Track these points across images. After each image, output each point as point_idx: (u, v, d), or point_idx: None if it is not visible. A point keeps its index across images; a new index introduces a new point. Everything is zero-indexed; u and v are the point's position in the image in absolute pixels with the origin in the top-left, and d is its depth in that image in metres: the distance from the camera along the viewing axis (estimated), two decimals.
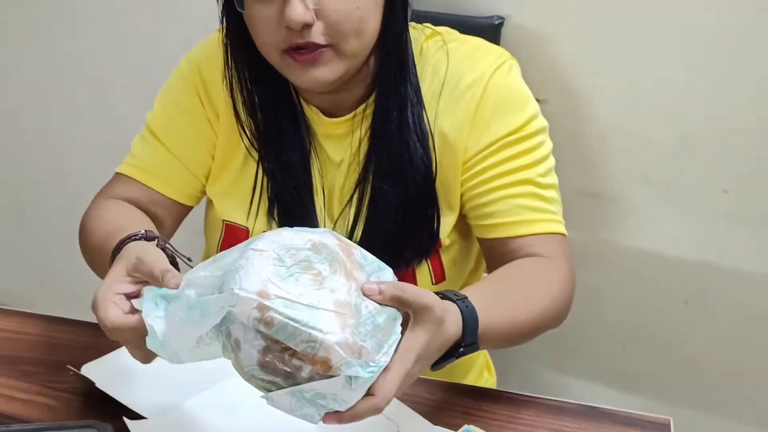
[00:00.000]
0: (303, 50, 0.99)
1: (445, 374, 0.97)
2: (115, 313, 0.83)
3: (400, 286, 0.81)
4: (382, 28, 1.03)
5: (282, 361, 0.75)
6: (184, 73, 1.16)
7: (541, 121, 1.11)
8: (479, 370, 1.32)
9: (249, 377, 0.77)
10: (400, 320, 0.81)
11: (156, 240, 0.94)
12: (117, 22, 1.78)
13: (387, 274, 0.84)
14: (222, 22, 1.06)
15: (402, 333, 0.80)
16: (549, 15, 1.43)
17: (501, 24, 1.43)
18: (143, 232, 0.95)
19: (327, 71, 1.01)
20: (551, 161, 1.11)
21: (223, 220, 1.15)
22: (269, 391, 0.77)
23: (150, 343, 0.81)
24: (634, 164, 1.49)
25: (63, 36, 1.83)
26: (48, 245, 2.07)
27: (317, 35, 0.98)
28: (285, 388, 0.76)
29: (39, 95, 1.93)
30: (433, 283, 1.13)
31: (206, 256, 1.25)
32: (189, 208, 1.20)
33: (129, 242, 0.93)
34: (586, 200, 1.53)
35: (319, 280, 0.77)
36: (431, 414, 0.96)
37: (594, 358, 1.70)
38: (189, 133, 1.15)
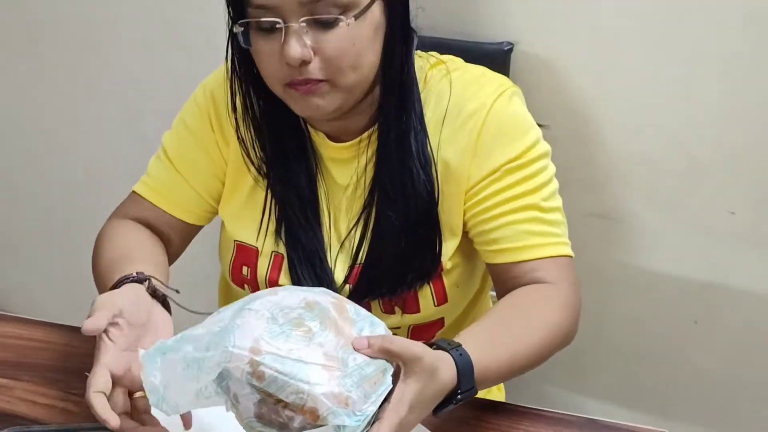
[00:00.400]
0: (302, 82, 1.03)
1: None
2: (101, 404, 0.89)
3: (389, 339, 0.86)
4: (383, 59, 1.07)
5: (275, 412, 0.82)
6: (198, 99, 1.21)
7: (543, 147, 1.14)
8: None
9: (249, 428, 0.84)
10: (390, 371, 0.85)
11: (147, 282, 1.02)
12: (146, 52, 1.84)
13: (380, 328, 0.89)
14: (227, 53, 1.11)
15: (394, 384, 0.85)
16: (557, 41, 1.47)
17: (510, 50, 1.46)
18: (134, 274, 1.03)
19: (325, 102, 1.05)
20: (554, 184, 1.14)
21: (235, 240, 1.20)
22: None
23: (152, 400, 0.85)
24: (642, 186, 1.51)
25: (95, 64, 1.89)
26: (79, 264, 2.13)
27: (315, 71, 1.02)
28: None
29: (72, 120, 2.00)
30: (435, 305, 1.16)
31: (221, 274, 1.31)
32: (198, 228, 1.25)
33: (122, 285, 1.01)
34: (595, 222, 1.55)
35: (309, 336, 0.84)
36: (430, 423, 0.99)
37: (604, 377, 1.72)
38: (199, 156, 1.20)
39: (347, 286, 1.15)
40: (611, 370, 1.71)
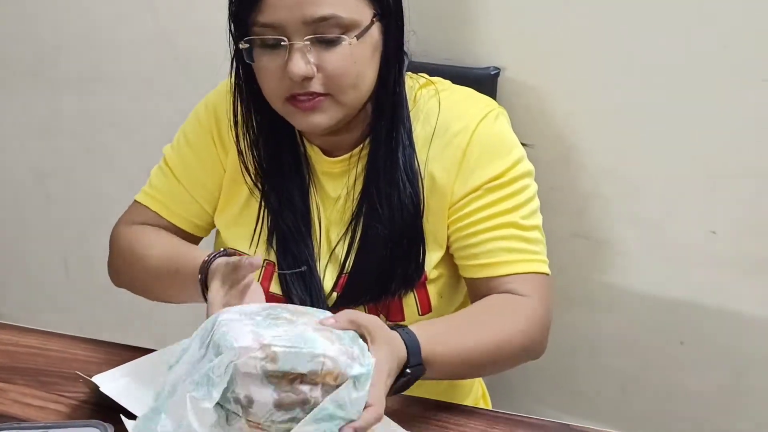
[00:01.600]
0: (303, 97, 1.09)
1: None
2: None
3: (352, 312, 0.95)
4: (378, 78, 1.13)
5: (294, 391, 0.85)
6: (200, 113, 1.26)
7: (526, 165, 1.18)
8: (474, 401, 1.37)
9: (269, 428, 0.86)
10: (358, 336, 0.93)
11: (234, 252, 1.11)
12: (150, 79, 1.90)
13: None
14: (231, 68, 1.17)
15: None
16: (543, 67, 1.51)
17: (497, 74, 1.51)
18: (223, 250, 1.12)
19: (324, 117, 1.11)
20: (535, 203, 1.18)
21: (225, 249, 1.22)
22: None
23: None
24: (625, 207, 1.55)
25: (100, 88, 1.94)
26: (80, 282, 2.17)
27: (317, 85, 1.08)
28: (305, 418, 0.85)
29: (80, 147, 2.05)
30: (419, 314, 1.20)
31: None
32: (198, 239, 1.30)
33: (216, 258, 1.08)
34: (579, 242, 1.59)
35: (292, 321, 0.90)
36: (407, 426, 1.02)
37: (595, 399, 1.73)
38: (199, 169, 1.25)
39: (334, 294, 1.19)
40: (602, 392, 1.73)
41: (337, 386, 0.86)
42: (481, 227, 1.15)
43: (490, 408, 1.40)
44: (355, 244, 1.18)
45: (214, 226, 1.29)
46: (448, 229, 1.18)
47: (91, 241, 2.09)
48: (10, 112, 2.04)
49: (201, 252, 1.13)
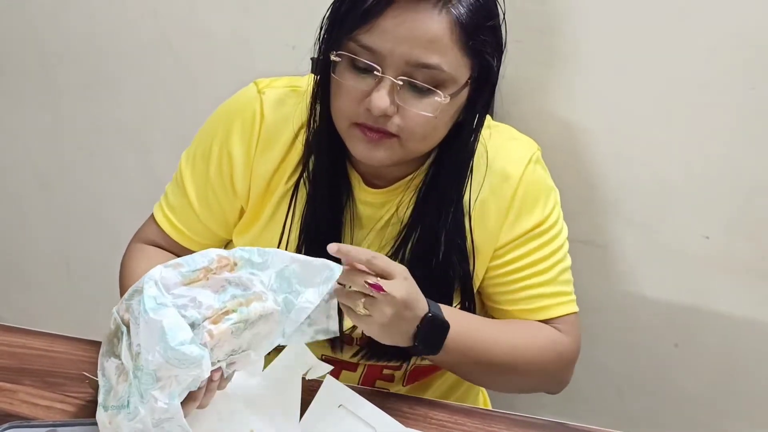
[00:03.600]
0: (371, 131, 1.05)
1: None
2: None
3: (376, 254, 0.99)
4: (449, 133, 1.09)
5: (214, 279, 0.94)
6: (219, 130, 1.19)
7: (559, 208, 1.21)
8: (473, 403, 1.39)
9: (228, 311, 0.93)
10: None
11: None
12: (152, 84, 1.92)
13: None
14: (315, 73, 1.12)
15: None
16: (541, 72, 1.54)
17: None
18: None
19: (385, 155, 1.06)
20: (567, 244, 1.21)
21: None
22: None
23: None
24: (621, 212, 1.57)
25: (106, 96, 1.96)
26: (84, 291, 2.19)
27: (391, 126, 1.04)
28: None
29: (84, 152, 2.07)
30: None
31: None
32: None
33: None
34: (574, 246, 1.60)
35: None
36: (408, 425, 1.05)
37: (591, 401, 1.75)
38: (213, 199, 1.20)
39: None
40: (599, 395, 1.75)
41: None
42: (521, 274, 1.17)
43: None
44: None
45: (223, 244, 1.27)
46: (486, 272, 1.18)
47: (92, 244, 2.11)
48: (13, 117, 2.05)
49: None
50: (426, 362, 1.22)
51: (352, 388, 1.07)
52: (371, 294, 0.96)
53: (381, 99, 1.01)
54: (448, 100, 1.03)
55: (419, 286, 1.04)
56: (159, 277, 0.91)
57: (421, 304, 1.02)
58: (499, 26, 1.07)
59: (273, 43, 1.70)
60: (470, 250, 1.16)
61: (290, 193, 1.17)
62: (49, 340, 1.23)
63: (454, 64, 1.02)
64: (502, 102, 1.54)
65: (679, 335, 1.62)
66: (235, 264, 0.95)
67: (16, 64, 2.00)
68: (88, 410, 1.07)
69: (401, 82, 1.01)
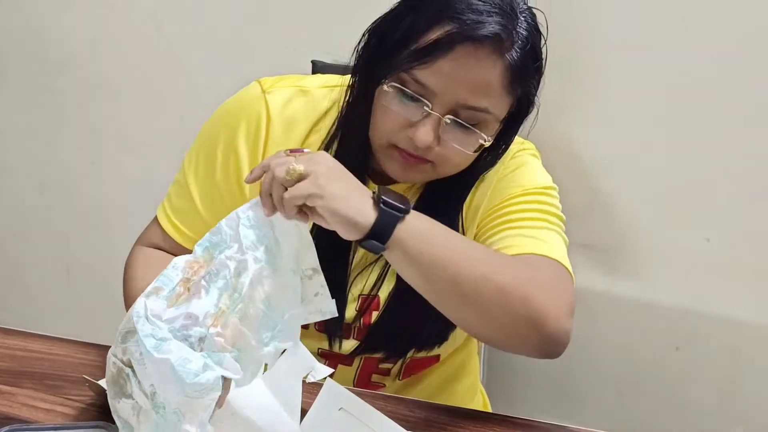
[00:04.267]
0: (410, 156, 1.05)
1: None
2: None
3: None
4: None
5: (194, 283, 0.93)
6: (224, 132, 1.18)
7: (555, 196, 1.17)
8: (474, 407, 1.38)
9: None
10: None
11: None
12: (152, 90, 1.92)
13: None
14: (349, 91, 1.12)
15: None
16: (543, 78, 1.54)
17: None
18: None
19: (418, 176, 1.09)
20: (561, 225, 1.16)
21: None
22: None
23: None
24: (622, 216, 1.57)
25: (107, 103, 1.97)
26: (91, 299, 2.19)
27: (430, 155, 1.05)
28: None
29: (85, 157, 2.08)
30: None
31: None
32: None
33: None
34: (575, 250, 1.60)
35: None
36: (410, 429, 1.04)
37: (593, 406, 1.75)
38: (218, 199, 1.19)
39: (360, 321, 1.17)
40: (599, 399, 1.75)
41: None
42: (501, 227, 1.12)
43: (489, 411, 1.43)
44: (387, 276, 1.16)
45: None
46: (474, 236, 1.16)
47: (92, 249, 2.12)
48: (15, 122, 2.06)
49: None
50: (422, 354, 1.21)
51: (352, 390, 1.07)
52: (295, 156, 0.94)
53: (427, 134, 1.02)
54: (490, 141, 1.05)
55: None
56: (146, 311, 0.89)
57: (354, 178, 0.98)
58: (543, 62, 1.08)
59: (274, 47, 1.71)
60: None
61: None
62: (49, 342, 1.23)
63: (501, 106, 1.04)
64: None
65: (680, 339, 1.62)
66: (204, 260, 0.93)
67: (18, 70, 2.01)
68: (88, 413, 1.07)
69: (448, 120, 1.02)
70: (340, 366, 1.23)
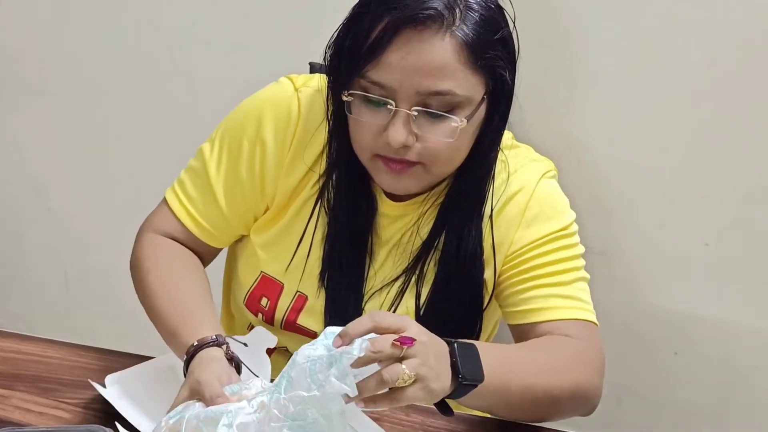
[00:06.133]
0: (394, 163, 1.04)
1: None
2: None
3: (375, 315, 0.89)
4: (472, 149, 1.08)
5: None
6: (249, 125, 1.16)
7: (576, 228, 1.18)
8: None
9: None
10: None
11: (225, 346, 1.02)
12: (155, 96, 1.92)
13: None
14: (329, 115, 1.11)
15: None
16: (541, 81, 1.53)
17: None
18: (214, 337, 1.02)
19: (411, 183, 1.08)
20: (582, 262, 1.18)
21: (262, 271, 1.19)
22: None
23: None
24: (620, 220, 1.56)
25: (107, 104, 1.96)
26: (89, 304, 2.18)
27: (412, 155, 1.03)
28: None
29: (83, 159, 2.07)
30: None
31: (228, 282, 1.32)
32: (218, 250, 1.26)
33: (200, 350, 1.01)
34: None
35: None
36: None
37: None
38: (239, 193, 1.17)
39: None
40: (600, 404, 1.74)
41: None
42: (536, 273, 1.13)
43: None
44: (407, 293, 1.16)
45: (236, 239, 1.25)
46: (500, 277, 1.15)
47: (91, 253, 2.11)
48: (12, 125, 2.05)
49: (202, 323, 1.05)
50: None
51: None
52: (404, 353, 0.87)
53: (398, 132, 1.01)
54: (465, 123, 1.02)
55: (444, 304, 1.07)
56: None
57: (439, 340, 0.95)
58: (509, 35, 1.06)
59: (274, 48, 1.70)
60: (488, 259, 1.14)
61: (314, 198, 1.16)
62: (43, 345, 1.23)
63: (467, 85, 1.02)
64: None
65: (679, 343, 1.61)
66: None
67: (14, 72, 2.00)
68: (82, 416, 1.07)
69: (416, 113, 1.01)
70: None
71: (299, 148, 1.15)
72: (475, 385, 0.94)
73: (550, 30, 1.51)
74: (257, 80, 1.25)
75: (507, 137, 1.19)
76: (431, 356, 0.89)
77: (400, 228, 1.16)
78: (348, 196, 1.13)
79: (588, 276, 1.19)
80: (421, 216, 1.14)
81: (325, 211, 1.15)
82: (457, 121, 1.01)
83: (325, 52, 1.07)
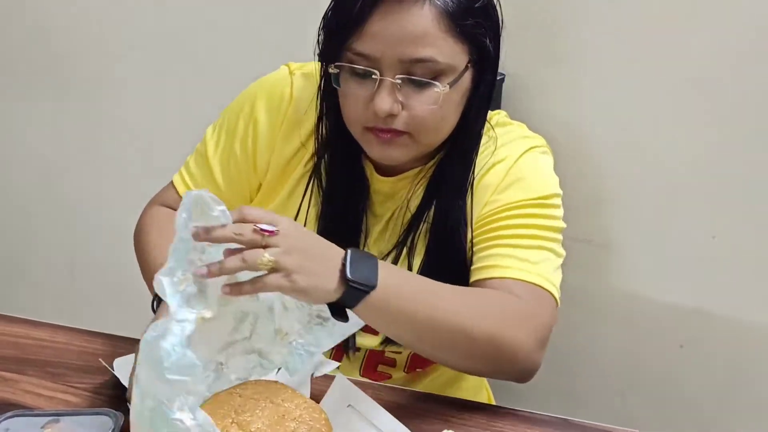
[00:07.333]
0: (383, 132, 1.07)
1: None
2: None
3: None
4: (460, 121, 1.11)
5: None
6: (245, 110, 1.21)
7: (559, 206, 1.17)
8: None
9: None
10: None
11: None
12: (162, 85, 1.92)
13: None
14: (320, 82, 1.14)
15: None
16: (547, 73, 1.54)
17: (502, 80, 1.54)
18: None
19: (400, 153, 1.09)
20: (557, 237, 1.16)
21: None
22: None
23: None
24: (625, 211, 1.57)
25: (111, 96, 1.97)
26: (95, 293, 2.18)
27: (399, 124, 1.06)
28: None
29: (88, 151, 2.07)
30: None
31: None
32: None
33: None
34: (579, 246, 1.60)
35: None
36: (414, 420, 1.04)
37: (596, 404, 1.75)
38: (235, 170, 1.22)
39: None
40: (602, 395, 1.74)
41: None
42: (497, 236, 1.13)
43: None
44: (401, 260, 1.17)
45: None
46: (472, 240, 1.15)
47: (97, 244, 2.11)
48: (19, 116, 2.06)
49: None
50: None
51: (360, 383, 1.06)
52: (266, 241, 0.90)
53: (383, 101, 1.04)
54: (447, 89, 1.05)
55: (435, 274, 1.05)
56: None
57: (329, 244, 0.96)
58: (491, 5, 1.09)
59: (282, 36, 1.70)
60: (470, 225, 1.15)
61: (308, 176, 1.19)
62: (52, 330, 1.23)
63: (449, 52, 1.04)
64: (508, 100, 1.55)
65: (685, 336, 1.61)
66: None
67: (20, 63, 2.01)
68: (90, 401, 1.07)
69: (399, 81, 1.04)
70: (345, 358, 1.24)
71: (290, 126, 1.19)
72: (367, 291, 0.93)
73: (555, 18, 1.51)
74: (267, 69, 1.26)
75: (501, 115, 1.21)
76: (298, 250, 0.91)
77: (392, 205, 1.18)
78: (341, 175, 1.17)
79: (561, 253, 1.15)
80: (412, 191, 1.17)
81: (319, 190, 1.18)
82: (440, 87, 1.04)
83: (318, 35, 1.11)
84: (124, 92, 1.96)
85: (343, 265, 0.93)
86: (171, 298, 0.87)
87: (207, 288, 0.91)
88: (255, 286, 0.90)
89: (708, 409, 1.65)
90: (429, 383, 1.28)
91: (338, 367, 1.08)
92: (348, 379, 1.05)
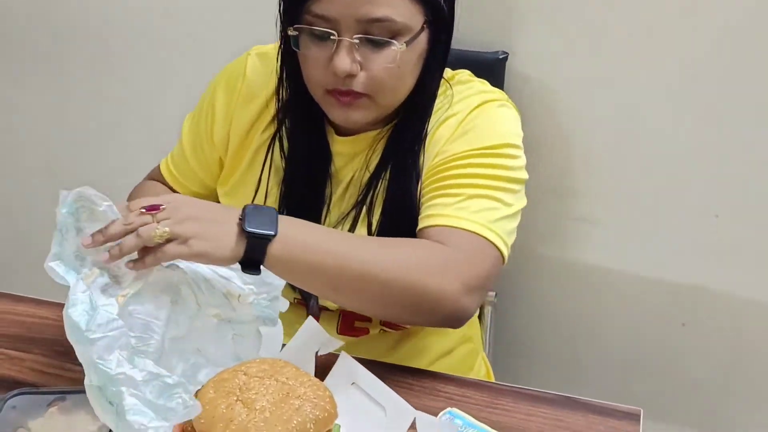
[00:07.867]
0: (343, 94, 1.10)
1: None
2: None
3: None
4: (417, 82, 1.13)
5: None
6: (208, 89, 1.29)
7: (515, 156, 1.16)
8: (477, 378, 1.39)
9: None
10: None
11: None
12: (161, 63, 1.92)
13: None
14: (279, 52, 1.17)
15: None
16: (550, 51, 1.54)
17: (505, 59, 1.54)
18: None
19: (360, 115, 1.12)
20: (508, 186, 1.14)
21: None
22: None
23: None
24: (627, 190, 1.57)
25: (112, 73, 1.97)
26: None
27: (358, 85, 1.09)
28: None
29: (93, 129, 2.08)
30: None
31: None
32: None
33: None
34: (581, 226, 1.61)
35: None
36: (416, 398, 1.05)
37: (598, 383, 1.76)
38: (200, 146, 1.29)
39: None
40: (605, 374, 1.75)
41: None
42: (441, 185, 1.13)
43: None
44: (361, 219, 1.19)
45: (213, 193, 1.32)
46: (422, 191, 1.17)
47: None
48: (22, 101, 2.06)
49: None
50: None
51: (365, 363, 1.06)
52: (156, 218, 0.95)
53: (341, 61, 1.06)
54: (404, 47, 1.07)
55: (394, 230, 1.09)
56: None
57: (226, 207, 1.01)
58: None
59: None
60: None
61: (266, 144, 1.22)
62: (58, 309, 1.22)
63: (405, 12, 1.07)
64: (511, 78, 1.54)
65: (687, 315, 1.62)
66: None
67: (25, 40, 2.00)
68: None
69: (357, 41, 1.06)
70: (323, 313, 1.25)
71: (244, 100, 1.24)
72: (268, 239, 0.96)
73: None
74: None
75: (464, 74, 1.23)
76: (192, 218, 0.96)
77: (353, 167, 1.20)
78: (302, 137, 1.20)
79: (510, 203, 1.12)
80: (372, 153, 1.19)
81: (281, 155, 1.21)
82: (397, 45, 1.06)
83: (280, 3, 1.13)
84: (132, 76, 1.96)
85: (241, 220, 0.97)
86: (67, 275, 0.96)
87: (121, 276, 0.97)
88: (156, 256, 0.95)
89: (709, 386, 1.65)
90: (412, 346, 1.28)
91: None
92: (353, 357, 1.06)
